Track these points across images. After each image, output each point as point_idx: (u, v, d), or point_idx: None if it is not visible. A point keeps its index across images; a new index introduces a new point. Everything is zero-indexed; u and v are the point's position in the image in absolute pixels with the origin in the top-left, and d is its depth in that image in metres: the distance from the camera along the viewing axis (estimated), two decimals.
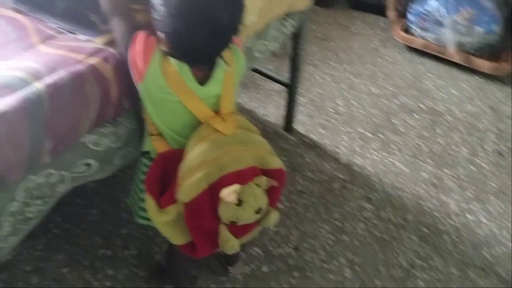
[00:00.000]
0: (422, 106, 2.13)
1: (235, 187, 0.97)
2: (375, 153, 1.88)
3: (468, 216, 1.66)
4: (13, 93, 0.90)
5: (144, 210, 1.18)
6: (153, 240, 1.51)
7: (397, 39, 2.48)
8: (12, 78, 0.91)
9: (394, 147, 1.91)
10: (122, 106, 1.08)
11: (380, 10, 2.67)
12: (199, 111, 1.04)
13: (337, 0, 2.79)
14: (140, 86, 1.02)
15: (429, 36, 2.37)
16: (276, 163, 1.07)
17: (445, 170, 1.82)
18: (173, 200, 1.04)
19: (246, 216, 1.01)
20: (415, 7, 2.39)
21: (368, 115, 2.06)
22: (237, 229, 1.06)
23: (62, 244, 1.49)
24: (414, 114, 2.08)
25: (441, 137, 1.97)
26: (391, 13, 2.50)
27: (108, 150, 1.11)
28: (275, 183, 1.04)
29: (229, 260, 1.42)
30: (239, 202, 0.98)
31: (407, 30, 2.46)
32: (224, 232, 1.04)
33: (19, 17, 1.11)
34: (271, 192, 1.06)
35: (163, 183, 1.06)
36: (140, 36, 0.99)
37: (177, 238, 1.10)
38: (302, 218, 1.62)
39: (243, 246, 1.19)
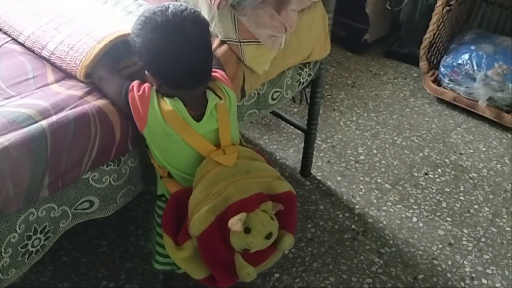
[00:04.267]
0: (446, 160, 2.08)
1: (240, 215, 0.99)
2: (392, 206, 1.84)
3: (484, 280, 1.58)
4: (19, 129, 0.95)
5: (160, 255, 1.23)
6: (156, 277, 1.52)
7: (428, 90, 2.45)
8: (20, 115, 0.97)
9: (412, 201, 1.87)
10: (126, 147, 1.12)
11: (413, 60, 2.65)
12: (200, 146, 1.08)
13: (370, 48, 2.80)
14: (144, 133, 1.07)
15: (460, 89, 2.32)
16: (283, 187, 1.10)
17: (464, 230, 1.75)
18: (189, 236, 1.07)
19: (257, 242, 1.03)
20: (448, 60, 2.37)
21: (389, 166, 2.03)
22: (253, 257, 1.08)
23: (69, 272, 1.53)
24: (438, 169, 2.03)
25: (464, 195, 1.90)
26: (423, 64, 2.48)
27: (110, 187, 1.15)
28: (281, 207, 1.07)
29: None
30: (248, 230, 1.01)
31: (438, 82, 2.43)
32: (239, 260, 1.07)
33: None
34: (283, 216, 1.08)
35: (179, 222, 1.10)
36: (134, 86, 1.05)
37: (198, 272, 1.13)
38: (308, 268, 1.59)
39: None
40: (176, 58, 1.00)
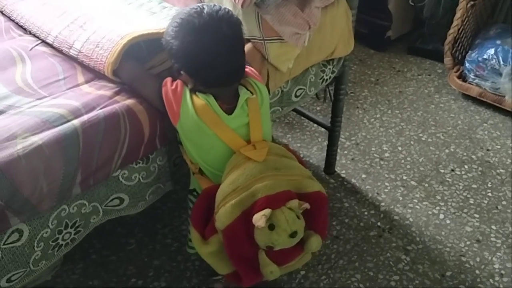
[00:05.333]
0: (473, 157, 2.05)
1: (265, 211, 1.00)
2: (418, 203, 1.83)
3: None
4: (52, 128, 0.98)
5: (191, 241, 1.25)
6: (183, 274, 1.54)
7: (453, 86, 2.42)
8: (53, 114, 1.00)
9: (439, 198, 1.85)
10: (154, 145, 1.14)
11: (437, 56, 2.62)
12: (231, 141, 1.09)
13: (393, 44, 2.77)
14: (178, 127, 1.08)
15: (486, 84, 2.29)
16: (313, 186, 1.09)
17: (492, 227, 1.73)
18: (215, 231, 1.09)
19: (281, 240, 1.03)
20: (473, 55, 2.33)
21: (414, 163, 2.01)
22: (278, 256, 1.09)
23: (99, 270, 1.56)
24: (464, 165, 2.00)
25: (491, 191, 1.88)
26: (448, 60, 2.44)
27: (139, 185, 1.17)
28: (307, 206, 1.06)
29: None
30: (272, 227, 1.01)
31: (463, 78, 2.40)
32: (263, 258, 1.08)
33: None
34: (311, 216, 1.08)
35: (208, 217, 1.12)
36: (168, 81, 1.07)
37: (223, 267, 1.15)
38: (334, 265, 1.59)
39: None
40: (214, 59, 1.02)
